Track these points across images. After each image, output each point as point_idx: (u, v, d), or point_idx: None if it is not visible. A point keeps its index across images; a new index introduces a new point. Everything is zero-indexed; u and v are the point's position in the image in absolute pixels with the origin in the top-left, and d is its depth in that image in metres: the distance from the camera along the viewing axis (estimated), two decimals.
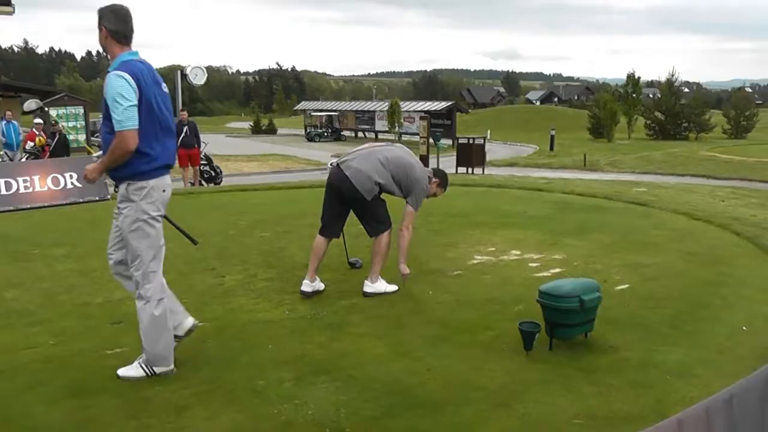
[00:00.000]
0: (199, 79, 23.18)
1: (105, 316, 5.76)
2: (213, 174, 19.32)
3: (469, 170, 21.36)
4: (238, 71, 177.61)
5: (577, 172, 23.17)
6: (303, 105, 66.44)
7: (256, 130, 63.68)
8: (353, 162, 5.84)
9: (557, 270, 6.64)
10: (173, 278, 6.75)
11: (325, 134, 51.40)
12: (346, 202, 5.86)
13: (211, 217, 10.40)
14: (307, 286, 5.88)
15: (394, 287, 6.02)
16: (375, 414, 3.83)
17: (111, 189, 15.23)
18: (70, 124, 19.33)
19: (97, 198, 12.94)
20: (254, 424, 3.78)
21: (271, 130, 63.15)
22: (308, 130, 53.04)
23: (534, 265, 6.88)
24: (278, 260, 7.38)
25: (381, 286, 5.96)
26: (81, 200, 12.73)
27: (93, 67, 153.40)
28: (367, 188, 5.72)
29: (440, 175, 6.32)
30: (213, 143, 41.99)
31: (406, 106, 49.38)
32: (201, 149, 18.22)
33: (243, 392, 4.21)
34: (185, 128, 17.27)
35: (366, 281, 5.96)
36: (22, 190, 12.28)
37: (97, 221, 10.32)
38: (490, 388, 4.10)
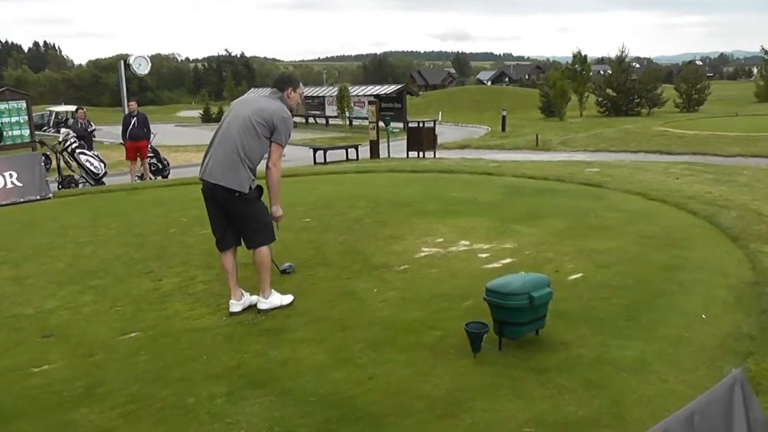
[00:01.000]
0: (143, 69, 22.52)
1: (35, 328, 5.35)
2: (160, 166, 18.69)
3: (420, 154, 21.08)
4: (187, 59, 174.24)
5: (530, 153, 23.09)
6: (251, 92, 65.29)
7: (206, 118, 62.44)
8: (209, 164, 5.19)
9: (508, 260, 6.41)
10: (108, 283, 6.41)
11: None
12: (225, 209, 5.24)
13: (153, 213, 9.95)
14: (235, 306, 5.36)
15: (289, 297, 5.54)
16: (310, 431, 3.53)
17: (54, 186, 14.66)
18: (13, 119, 18.45)
19: (38, 197, 12.34)
20: None
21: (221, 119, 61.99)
22: None
23: (484, 256, 6.63)
24: (218, 260, 6.99)
25: (276, 299, 5.45)
26: (21, 200, 12.12)
27: (40, 58, 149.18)
28: (238, 181, 5.05)
29: (284, 81, 5.38)
30: (162, 133, 40.93)
31: (356, 90, 48.83)
32: (150, 141, 17.60)
33: (172, 411, 3.87)
34: (134, 120, 16.64)
35: (259, 298, 5.40)
36: None
37: (36, 223, 9.82)
38: (434, 396, 3.83)
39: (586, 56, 52.34)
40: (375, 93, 44.97)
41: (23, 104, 18.60)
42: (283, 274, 6.28)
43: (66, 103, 59.56)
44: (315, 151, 20.85)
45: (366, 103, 42.72)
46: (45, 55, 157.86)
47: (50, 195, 12.49)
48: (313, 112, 51.57)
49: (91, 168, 15.48)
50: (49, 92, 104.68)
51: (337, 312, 5.28)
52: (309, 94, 53.03)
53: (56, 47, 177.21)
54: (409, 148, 21.42)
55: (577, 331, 4.67)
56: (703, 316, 4.88)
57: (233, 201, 5.14)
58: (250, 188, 5.16)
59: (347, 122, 45.88)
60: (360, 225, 8.26)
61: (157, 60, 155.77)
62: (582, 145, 25.20)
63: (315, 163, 19.79)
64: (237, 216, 5.26)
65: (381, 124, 23.64)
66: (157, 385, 4.21)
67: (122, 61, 22.10)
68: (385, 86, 48.56)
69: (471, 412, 3.63)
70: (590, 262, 6.21)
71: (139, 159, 16.96)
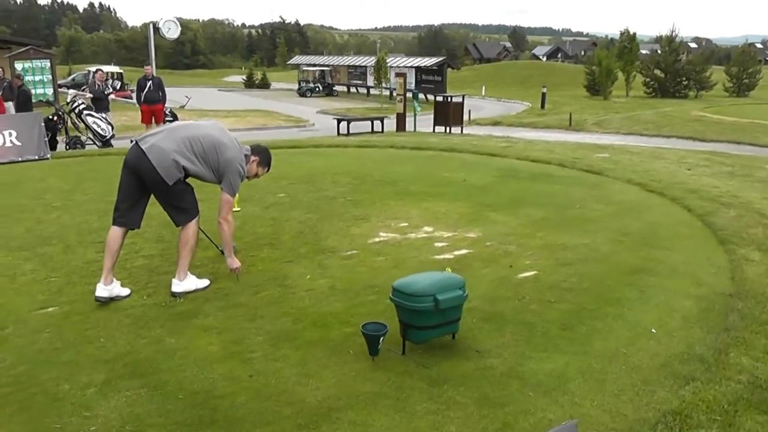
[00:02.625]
0: (172, 33, 22.31)
1: None
2: None
3: (447, 129, 20.57)
4: (243, 24, 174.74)
5: (559, 133, 22.33)
6: (297, 59, 64.96)
7: (249, 84, 62.53)
8: (154, 138, 4.97)
9: (463, 252, 6.01)
10: (56, 251, 6.21)
11: (317, 89, 50.19)
12: (147, 185, 4.93)
13: None
14: (102, 290, 4.91)
15: (205, 282, 5.26)
16: None
17: (62, 147, 14.59)
18: (37, 78, 18.55)
19: (36, 157, 12.30)
20: None
21: (264, 85, 61.97)
22: (300, 85, 51.90)
23: (440, 245, 6.23)
24: (170, 232, 6.74)
25: (190, 283, 5.16)
26: (20, 159, 12.09)
27: (95, 19, 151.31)
28: (167, 169, 4.82)
29: (260, 152, 5.42)
30: (201, 97, 41.30)
31: (396, 61, 48.07)
32: (165, 104, 17.44)
33: (42, 398, 3.66)
34: (149, 83, 16.51)
35: (174, 279, 5.09)
36: None
37: (19, 184, 9.74)
38: (307, 403, 3.50)
39: (635, 34, 50.48)
40: (415, 65, 44.25)
41: (47, 63, 18.72)
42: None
43: (116, 64, 60.03)
44: (339, 121, 20.53)
45: (407, 74, 42.27)
46: (99, 16, 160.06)
47: (48, 156, 12.43)
48: (355, 81, 51.09)
49: (98, 130, 15.41)
50: (102, 52, 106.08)
51: (257, 299, 4.98)
52: (352, 64, 52.57)
53: (111, 8, 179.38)
54: (436, 123, 20.93)
55: (501, 337, 4.27)
56: (653, 330, 4.42)
57: (156, 182, 4.88)
58: (179, 180, 4.95)
59: (387, 93, 45.22)
60: (331, 204, 7.93)
61: (211, 25, 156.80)
62: (615, 127, 24.24)
63: (338, 134, 19.47)
64: (159, 195, 5.01)
65: (409, 94, 23.16)
66: (44, 367, 4.01)
67: (151, 25, 21.95)
68: (426, 58, 47.67)
69: (336, 424, 3.31)
70: (551, 260, 5.77)
71: (154, 122, 16.86)
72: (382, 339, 3.88)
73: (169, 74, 76.82)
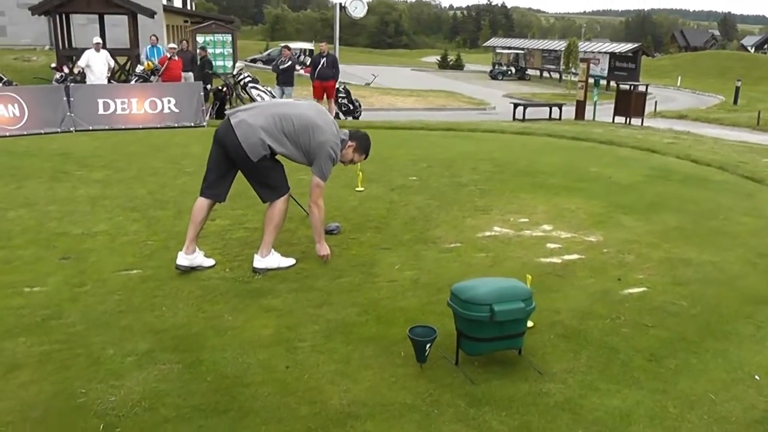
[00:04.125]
0: (358, 12, 22.66)
1: (63, 249, 5.52)
2: (351, 107, 18.78)
3: (627, 120, 19.26)
4: (450, 6, 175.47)
5: (744, 132, 19.90)
6: (493, 41, 63.88)
7: (443, 65, 62.58)
8: (245, 114, 4.86)
9: (573, 257, 5.43)
10: (168, 215, 6.46)
11: (509, 73, 49.11)
12: (233, 160, 4.86)
13: None
14: (182, 258, 4.93)
15: (290, 261, 5.11)
16: (155, 419, 3.14)
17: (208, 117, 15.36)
18: (217, 51, 19.65)
19: (192, 124, 12.97)
20: (39, 399, 3.25)
21: (458, 66, 61.75)
22: (493, 68, 51.07)
23: (552, 246, 5.69)
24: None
25: (273, 260, 5.03)
26: (176, 125, 12.82)
27: None
28: (252, 146, 4.71)
29: (357, 138, 5.16)
30: (391, 76, 41.91)
31: (590, 46, 45.82)
32: (337, 81, 17.78)
33: (84, 360, 3.73)
34: (323, 60, 16.88)
35: (256, 255, 5.01)
36: (119, 112, 12.57)
37: (163, 148, 10.29)
38: (329, 405, 3.25)
39: None
40: (609, 50, 41.99)
41: (228, 37, 19.74)
42: (327, 234, 5.86)
43: (321, 42, 62.25)
44: (515, 106, 19.90)
45: (601, 60, 40.25)
46: None
47: (204, 123, 13.05)
48: (548, 66, 49.51)
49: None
50: (306, 30, 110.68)
51: (334, 285, 4.78)
52: (546, 48, 51.02)
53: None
54: (616, 113, 19.72)
55: (574, 360, 3.76)
56: (757, 377, 3.67)
57: (241, 158, 4.81)
58: (264, 157, 4.84)
59: (576, 79, 43.34)
60: (458, 191, 7.58)
61: (417, 6, 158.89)
62: None
63: (513, 119, 18.91)
64: (245, 170, 4.95)
65: (590, 80, 21.94)
66: (100, 329, 4.08)
67: (338, 3, 22.41)
68: (620, 44, 45.01)
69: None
70: (668, 276, 5.05)
71: (326, 98, 17.22)
72: (429, 346, 3.53)
73: (368, 53, 79.09)
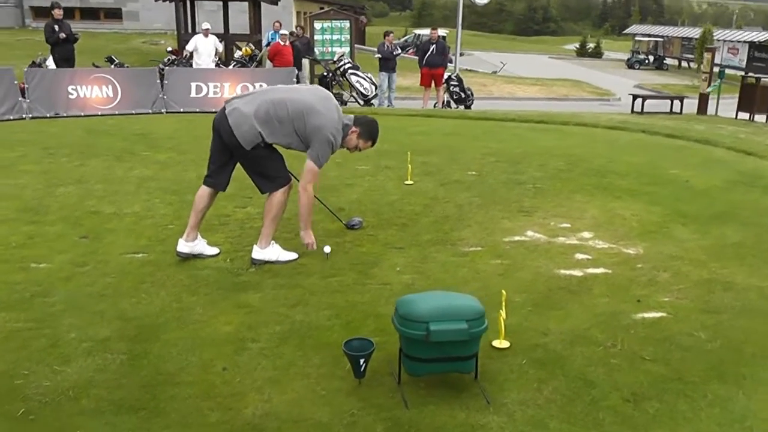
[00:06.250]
0: None
1: (86, 228, 5.72)
2: (463, 96, 18.42)
3: (751, 117, 17.64)
4: None
5: None
6: (633, 28, 60.67)
7: (581, 53, 60.28)
8: (240, 101, 4.74)
9: (597, 270, 4.95)
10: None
11: (647, 62, 46.54)
12: (229, 149, 4.76)
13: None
14: (182, 245, 4.92)
15: (291, 255, 4.97)
16: (72, 410, 3.11)
17: None
18: (335, 37, 19.79)
19: None
20: None
21: (597, 54, 59.27)
22: (631, 56, 48.54)
23: (580, 257, 5.21)
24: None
25: (271, 252, 4.91)
26: None
27: None
28: (245, 134, 4.61)
29: (362, 124, 4.91)
30: (524, 64, 40.81)
31: (730, 34, 42.45)
32: (445, 69, 17.47)
33: (44, 342, 3.82)
34: (432, 47, 16.62)
35: (255, 246, 4.93)
36: (210, 95, 12.91)
37: None
38: (240, 414, 3.10)
39: None
40: (748, 39, 38.78)
41: (346, 24, 19.82)
42: (349, 228, 5.70)
43: (466, 28, 61.43)
44: (634, 98, 18.75)
45: (739, 50, 37.32)
46: None
47: None
48: (687, 55, 46.54)
49: (361, 89, 16.01)
50: (453, 16, 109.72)
51: (323, 284, 4.62)
52: (686, 35, 48.00)
53: None
54: (740, 108, 18.07)
55: (535, 392, 3.36)
56: None
57: (236, 147, 4.73)
58: (258, 145, 4.72)
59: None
60: (511, 189, 7.18)
61: None
62: None
63: (632, 111, 17.88)
64: (240, 159, 4.86)
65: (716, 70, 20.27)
66: (75, 311, 4.15)
67: None
68: (763, 32, 41.36)
69: None
70: (699, 302, 4.47)
71: (434, 85, 16.95)
72: (363, 360, 3.28)
73: (511, 40, 77.50)
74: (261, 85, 13.00)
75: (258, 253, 4.91)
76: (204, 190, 4.98)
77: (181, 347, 3.71)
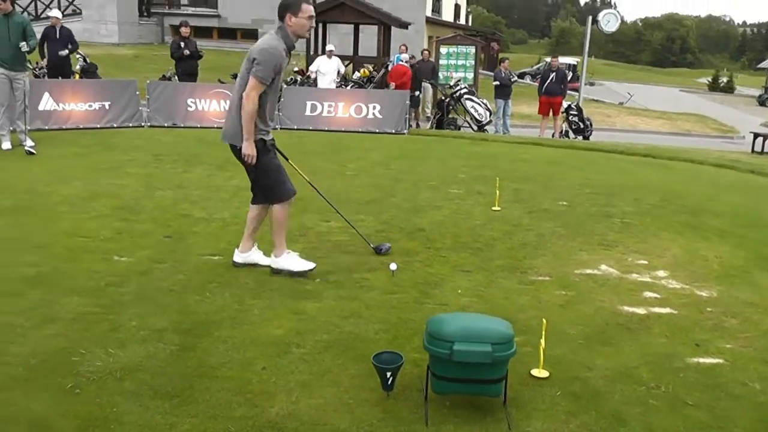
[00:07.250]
0: (610, 26, 21.92)
1: (174, 229, 6.11)
2: (581, 126, 18.16)
3: None
4: (743, 22, 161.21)
5: None
6: (766, 63, 57.60)
7: (713, 87, 57.77)
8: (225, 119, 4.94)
9: (663, 310, 4.79)
10: (293, 210, 6.56)
11: None
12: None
13: (458, 164, 9.95)
14: (237, 255, 5.19)
15: (308, 265, 5.02)
16: (114, 390, 3.34)
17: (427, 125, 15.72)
18: (459, 62, 20.03)
19: (393, 131, 13.35)
20: (47, 350, 3.63)
21: (729, 89, 56.63)
22: (762, 93, 45.94)
23: (648, 295, 5.05)
24: (381, 215, 6.80)
25: (285, 262, 5.01)
26: (377, 131, 13.29)
27: (593, 11, 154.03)
28: (234, 136, 4.75)
29: (282, 8, 4.67)
30: (652, 96, 39.57)
31: None
32: (564, 97, 17.28)
33: (106, 326, 4.09)
34: (552, 75, 16.51)
35: (272, 256, 5.08)
36: (324, 114, 13.34)
37: (345, 150, 10.77)
38: (263, 414, 3.24)
39: None
40: None
41: (472, 50, 20.03)
42: (377, 253, 5.69)
43: (600, 57, 59.88)
44: (755, 137, 17.74)
45: None
46: (598, 10, 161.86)
47: (405, 131, 13.36)
48: None
49: (475, 114, 16.06)
50: (592, 45, 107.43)
51: (381, 299, 4.71)
52: None
53: (612, 3, 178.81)
54: None
55: (563, 423, 3.31)
56: None
57: (239, 156, 4.84)
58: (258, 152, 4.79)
59: None
60: (597, 222, 7.10)
61: (706, 21, 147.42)
62: None
63: (752, 151, 17.04)
64: (247, 169, 4.94)
65: None
66: (143, 302, 4.45)
67: (590, 17, 21.76)
68: None
69: None
70: (764, 351, 4.23)
71: (552, 114, 16.77)
72: (390, 374, 3.35)
73: (646, 71, 75.38)
74: (375, 107, 13.35)
75: (274, 262, 5.07)
76: (251, 205, 5.21)
77: (229, 344, 3.91)
